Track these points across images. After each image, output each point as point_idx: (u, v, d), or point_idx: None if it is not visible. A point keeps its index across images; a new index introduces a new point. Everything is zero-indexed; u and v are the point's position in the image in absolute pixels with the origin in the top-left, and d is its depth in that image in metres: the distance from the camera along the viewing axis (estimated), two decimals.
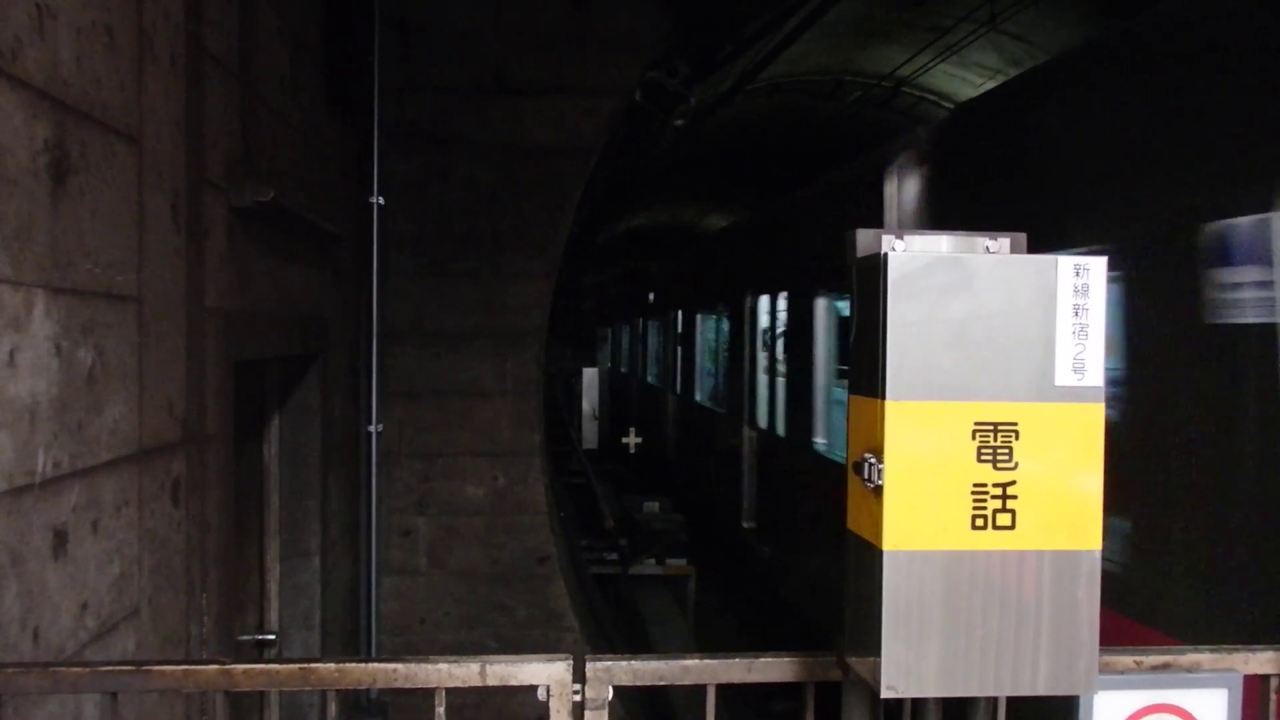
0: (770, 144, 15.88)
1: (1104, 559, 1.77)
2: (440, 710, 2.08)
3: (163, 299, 3.02)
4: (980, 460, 1.71)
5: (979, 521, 1.72)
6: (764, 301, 10.97)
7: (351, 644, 6.19)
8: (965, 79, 11.60)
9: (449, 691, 2.09)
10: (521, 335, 6.93)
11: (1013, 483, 1.72)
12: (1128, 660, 2.15)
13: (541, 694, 2.08)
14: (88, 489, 2.52)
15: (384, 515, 6.59)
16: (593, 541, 10.81)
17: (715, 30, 7.81)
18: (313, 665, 2.04)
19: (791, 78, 12.38)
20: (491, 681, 2.06)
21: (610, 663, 2.10)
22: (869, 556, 1.77)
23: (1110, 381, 3.64)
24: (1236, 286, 3.68)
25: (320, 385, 5.31)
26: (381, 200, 6.16)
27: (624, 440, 13.82)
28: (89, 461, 2.53)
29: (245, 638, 4.65)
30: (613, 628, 9.20)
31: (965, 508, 1.71)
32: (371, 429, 6.29)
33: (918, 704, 1.99)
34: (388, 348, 6.49)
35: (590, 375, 13.42)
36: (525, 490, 6.98)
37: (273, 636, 4.89)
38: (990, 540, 1.72)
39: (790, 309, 9.84)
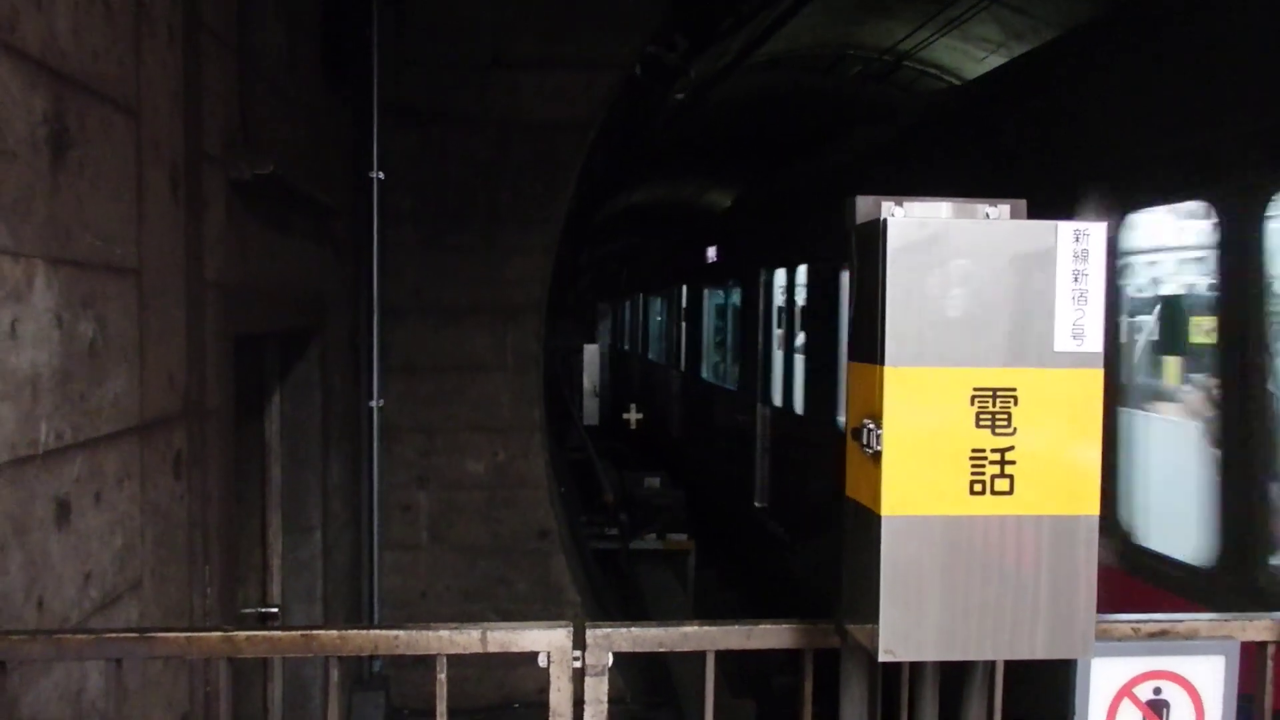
0: (771, 120, 15.81)
1: None
2: (441, 677, 2.10)
3: (162, 272, 3.02)
4: (979, 426, 1.71)
5: (977, 487, 1.72)
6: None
7: (353, 618, 6.22)
8: (967, 53, 11.54)
9: (450, 662, 2.10)
10: (520, 310, 6.93)
11: (1011, 448, 1.72)
12: (1125, 628, 2.16)
13: (542, 660, 2.09)
14: (90, 460, 2.53)
15: (385, 490, 6.61)
16: (593, 517, 10.83)
17: (714, 3, 7.77)
18: (315, 632, 2.05)
19: (792, 52, 12.31)
20: (492, 648, 2.08)
21: (610, 629, 2.12)
22: (867, 522, 1.78)
23: None
24: None
25: (320, 360, 5.31)
26: (381, 175, 6.15)
27: (625, 416, 13.84)
28: (91, 433, 2.54)
29: (248, 610, 4.67)
30: (613, 602, 9.24)
31: (964, 473, 1.72)
32: (372, 404, 6.30)
33: (915, 668, 2.01)
34: (387, 323, 6.50)
35: (591, 351, 13.42)
36: (525, 465, 6.99)
37: (275, 610, 4.91)
38: (989, 505, 1.73)
39: None
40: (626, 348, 23.66)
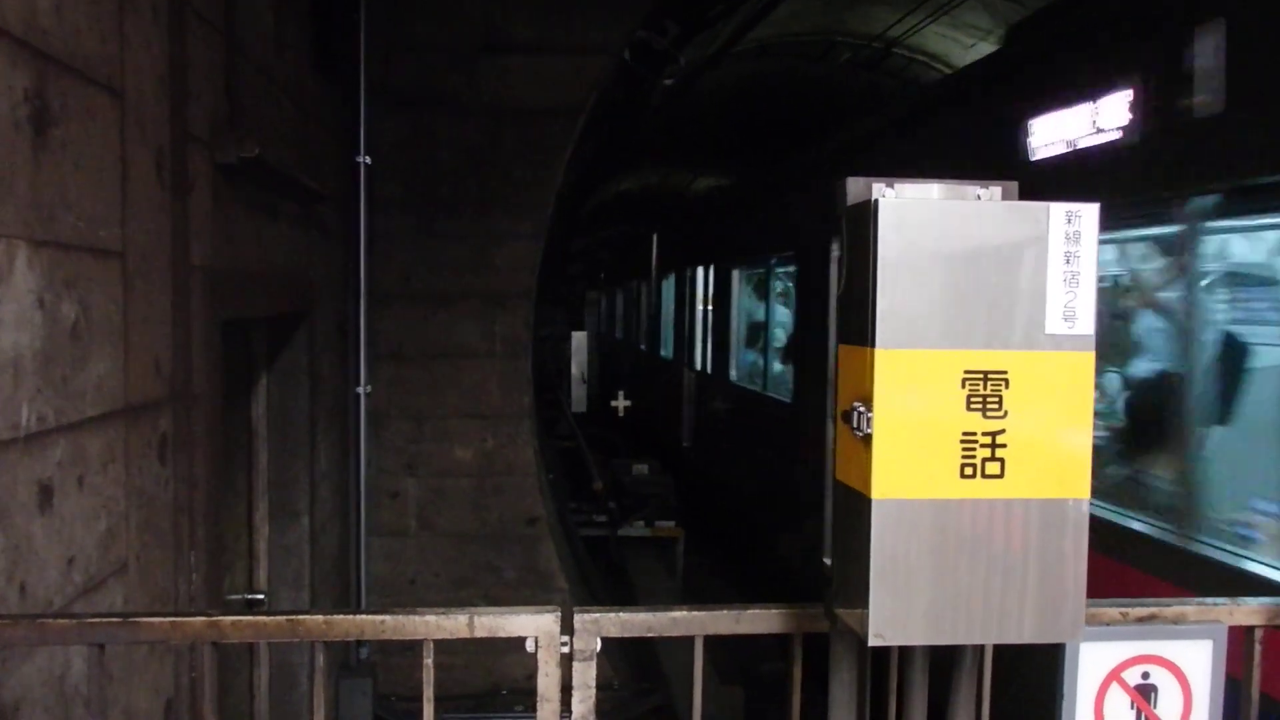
0: (761, 107, 15.78)
1: None
2: (428, 662, 2.08)
3: (147, 255, 2.99)
4: (970, 409, 1.70)
5: (968, 470, 1.71)
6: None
7: (341, 605, 6.21)
8: (957, 40, 11.54)
9: (438, 648, 2.09)
10: (510, 297, 6.91)
11: (1002, 431, 1.71)
12: (1114, 612, 2.16)
13: (530, 645, 2.08)
14: (73, 444, 2.51)
15: (373, 477, 6.59)
16: (582, 504, 10.83)
17: None
18: (300, 617, 2.04)
19: (782, 39, 12.28)
20: (480, 633, 2.07)
21: (598, 614, 2.11)
22: (857, 506, 1.77)
23: None
24: None
25: (308, 346, 5.29)
26: (368, 160, 6.11)
27: (613, 404, 13.82)
28: (74, 416, 2.52)
29: (234, 597, 4.66)
30: (602, 589, 9.24)
31: (954, 456, 1.71)
32: (360, 390, 6.28)
33: (905, 652, 2.00)
34: (375, 309, 6.47)
35: (579, 339, 13.37)
36: (514, 452, 6.98)
37: (261, 596, 4.90)
38: (979, 489, 1.72)
39: None
40: (656, 350, 18.23)
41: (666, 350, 17.53)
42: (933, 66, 12.38)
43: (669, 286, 17.15)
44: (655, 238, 17.94)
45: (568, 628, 2.09)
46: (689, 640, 2.17)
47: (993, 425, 1.71)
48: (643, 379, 20.09)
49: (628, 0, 6.82)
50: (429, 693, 2.08)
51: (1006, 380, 1.71)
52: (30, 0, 2.31)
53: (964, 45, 11.53)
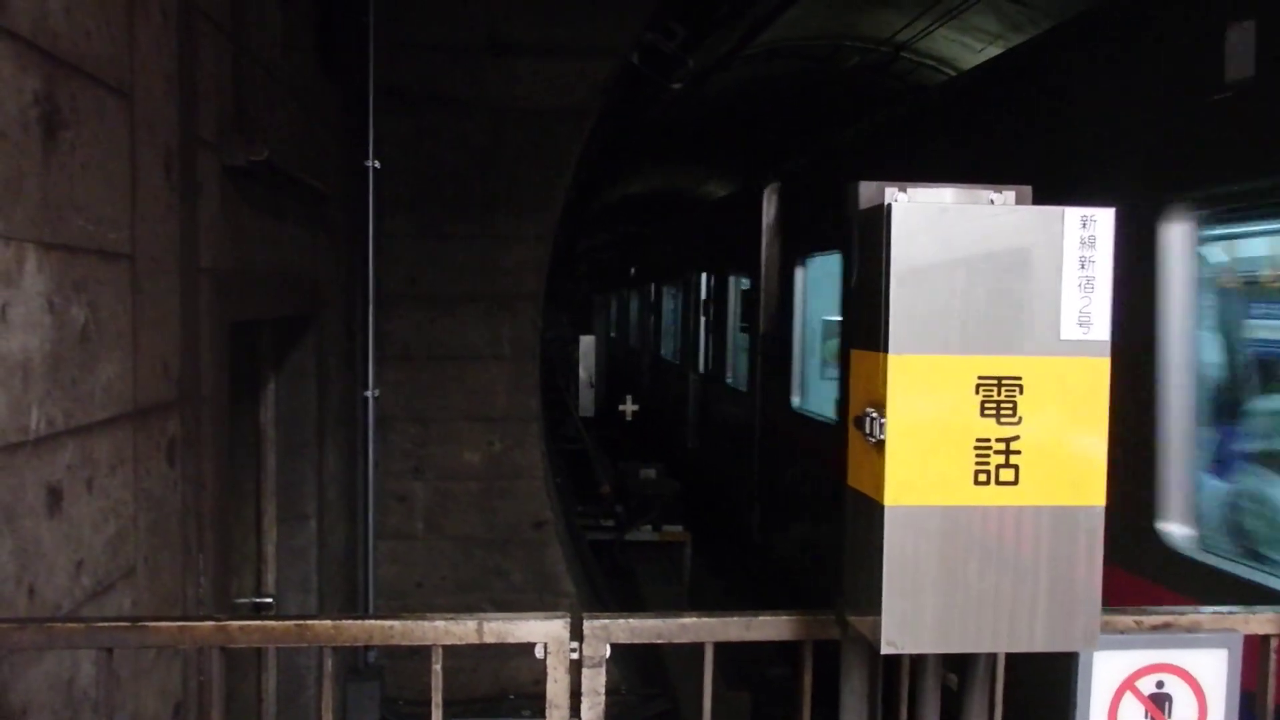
0: (769, 110, 15.77)
1: None
2: (437, 668, 2.08)
3: (156, 257, 2.99)
4: (984, 415, 1.69)
5: (982, 477, 1.70)
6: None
7: (348, 608, 6.20)
8: (965, 44, 11.51)
9: (446, 653, 2.08)
10: (517, 299, 6.90)
11: (1016, 438, 1.70)
12: (1128, 620, 2.15)
13: (539, 651, 2.07)
14: (82, 447, 2.50)
15: (380, 480, 6.58)
16: (589, 508, 10.81)
17: None
18: (309, 622, 2.03)
19: (790, 42, 12.27)
20: (489, 639, 2.06)
21: (608, 620, 2.10)
22: (870, 512, 1.75)
23: None
24: None
25: (315, 348, 5.28)
26: (378, 164, 6.11)
27: (620, 408, 13.81)
28: (83, 419, 2.51)
29: (242, 600, 4.65)
30: (609, 593, 9.22)
31: (968, 463, 1.70)
32: (368, 393, 6.27)
33: (917, 660, 1.99)
34: (382, 311, 6.47)
35: (587, 343, 13.38)
36: (521, 455, 6.97)
37: (269, 600, 4.89)
38: (993, 496, 1.71)
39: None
40: (777, 394, 9.72)
41: (810, 399, 8.85)
42: (941, 70, 12.36)
43: (811, 279, 8.72)
44: (771, 196, 9.61)
45: (577, 634, 2.08)
46: (697, 645, 2.16)
47: (1007, 431, 1.70)
48: (731, 441, 11.40)
49: (631, 2, 6.81)
50: (437, 698, 2.07)
51: (1021, 386, 1.69)
52: (40, 3, 2.31)
53: (973, 49, 11.51)
